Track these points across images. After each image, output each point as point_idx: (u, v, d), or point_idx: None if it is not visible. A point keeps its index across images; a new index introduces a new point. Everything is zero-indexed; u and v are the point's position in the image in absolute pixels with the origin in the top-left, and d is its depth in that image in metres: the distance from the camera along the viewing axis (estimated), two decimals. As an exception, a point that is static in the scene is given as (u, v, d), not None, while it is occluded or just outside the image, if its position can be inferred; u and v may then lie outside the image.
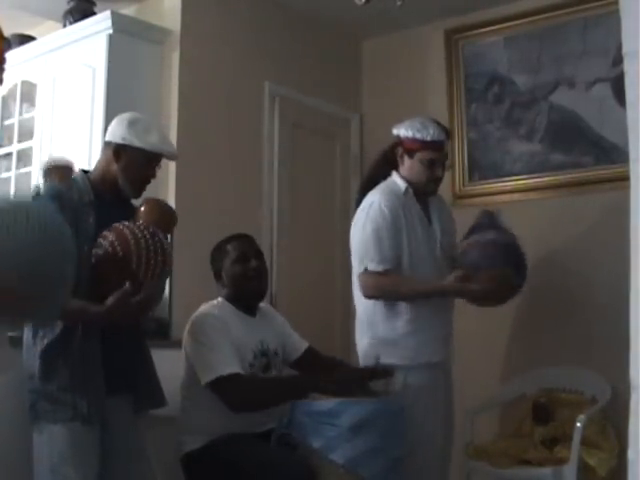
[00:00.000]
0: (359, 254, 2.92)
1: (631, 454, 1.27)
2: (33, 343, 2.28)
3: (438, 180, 3.01)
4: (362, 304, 3.00)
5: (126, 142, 2.36)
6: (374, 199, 2.94)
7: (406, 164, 2.98)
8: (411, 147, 2.95)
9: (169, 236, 2.47)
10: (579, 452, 3.11)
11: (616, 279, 3.39)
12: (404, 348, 2.90)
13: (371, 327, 2.97)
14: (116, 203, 2.42)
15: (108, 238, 2.20)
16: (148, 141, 2.37)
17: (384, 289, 2.90)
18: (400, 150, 2.99)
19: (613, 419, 3.32)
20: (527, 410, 3.54)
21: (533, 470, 3.20)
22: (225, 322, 2.70)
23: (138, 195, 2.46)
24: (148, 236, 2.22)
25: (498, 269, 2.89)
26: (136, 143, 2.35)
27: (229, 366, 2.57)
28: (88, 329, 2.26)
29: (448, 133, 3.07)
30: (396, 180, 3.01)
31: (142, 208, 2.38)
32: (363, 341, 3.00)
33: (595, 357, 3.52)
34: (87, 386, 2.24)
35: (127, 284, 2.16)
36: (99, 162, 2.45)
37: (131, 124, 2.39)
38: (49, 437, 2.24)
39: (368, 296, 2.92)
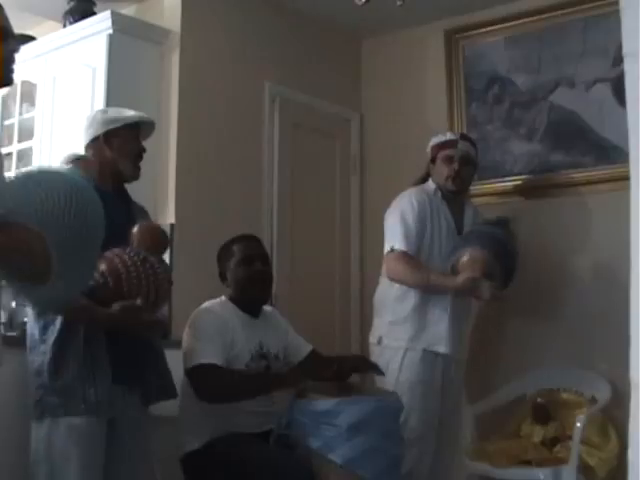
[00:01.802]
0: (387, 237, 3.21)
1: (631, 454, 1.27)
2: (41, 340, 2.29)
3: (457, 175, 3.25)
4: (380, 286, 3.30)
5: (111, 127, 2.47)
6: (405, 193, 3.28)
7: (433, 172, 3.33)
8: (434, 154, 3.34)
9: (166, 254, 2.48)
10: (579, 452, 3.12)
11: (616, 279, 3.41)
12: (404, 331, 3.13)
13: (382, 309, 3.25)
14: (116, 197, 2.47)
15: (99, 269, 2.20)
16: (127, 116, 2.51)
17: (406, 271, 3.12)
18: (430, 164, 3.36)
19: (613, 419, 3.31)
20: (527, 410, 3.54)
21: (533, 470, 3.20)
22: (224, 320, 2.70)
23: (137, 173, 2.53)
24: (139, 263, 2.23)
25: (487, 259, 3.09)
26: (120, 122, 2.48)
27: (208, 356, 2.56)
28: (92, 324, 2.28)
29: (465, 136, 3.47)
30: (429, 183, 3.33)
31: (134, 231, 2.37)
32: (375, 321, 3.27)
33: (595, 357, 3.52)
34: (94, 376, 2.26)
35: (139, 300, 2.19)
36: (91, 160, 2.49)
37: (104, 112, 2.57)
38: (52, 433, 2.24)
39: (389, 277, 3.20)
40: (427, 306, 3.14)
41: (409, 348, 3.11)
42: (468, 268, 3.07)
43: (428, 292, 3.12)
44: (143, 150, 2.54)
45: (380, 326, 3.22)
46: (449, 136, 3.37)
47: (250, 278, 2.77)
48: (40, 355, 2.28)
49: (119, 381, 2.32)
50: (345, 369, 2.77)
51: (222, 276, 2.84)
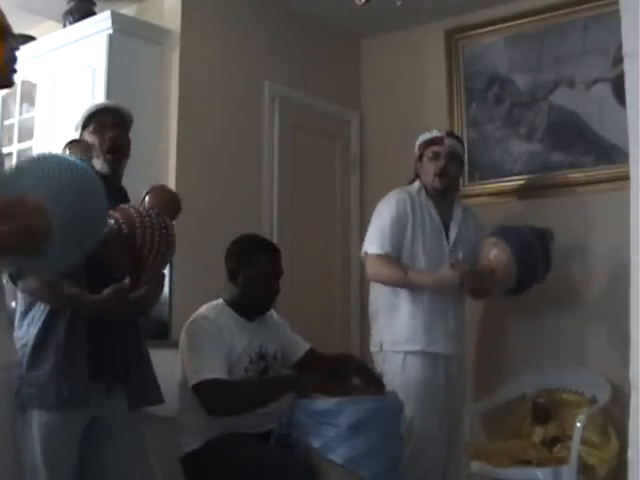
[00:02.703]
0: (365, 240, 3.23)
1: (631, 454, 1.27)
2: (25, 332, 2.29)
3: (444, 173, 3.22)
4: (372, 292, 3.28)
5: (77, 132, 2.47)
6: (387, 195, 3.26)
7: (421, 171, 3.30)
8: (420, 152, 3.31)
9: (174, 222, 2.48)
10: (579, 452, 3.11)
11: (616, 279, 3.41)
12: (400, 334, 3.11)
13: (377, 314, 3.22)
14: (113, 200, 2.44)
15: (113, 216, 2.23)
16: (84, 114, 2.48)
17: (383, 272, 3.14)
18: (417, 163, 3.33)
19: (613, 419, 3.31)
20: (527, 410, 3.53)
21: (533, 470, 3.20)
22: (220, 326, 2.69)
23: (114, 168, 2.44)
24: (153, 215, 2.26)
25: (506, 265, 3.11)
26: (80, 124, 2.47)
27: (211, 371, 2.57)
28: (75, 318, 2.27)
29: (451, 133, 3.40)
30: (415, 183, 3.31)
31: (147, 195, 2.39)
32: (372, 329, 3.25)
33: (595, 357, 3.52)
34: (70, 371, 2.24)
35: (127, 279, 2.18)
36: None
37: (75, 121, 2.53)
38: (29, 427, 2.23)
39: (370, 278, 3.24)
40: (421, 307, 3.11)
41: (408, 351, 3.08)
42: (488, 264, 3.13)
43: (409, 289, 3.12)
44: (111, 141, 2.44)
45: (378, 332, 3.20)
46: (435, 133, 3.32)
47: (265, 296, 2.80)
48: (21, 347, 2.27)
49: (98, 379, 2.30)
50: (346, 375, 2.76)
51: (233, 275, 2.80)
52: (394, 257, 3.13)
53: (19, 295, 2.37)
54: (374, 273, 3.19)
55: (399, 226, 3.14)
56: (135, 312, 2.35)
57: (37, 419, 2.23)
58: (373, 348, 3.22)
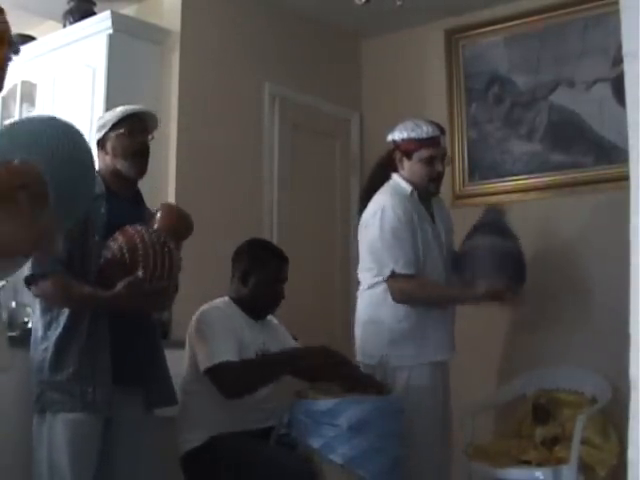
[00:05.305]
0: (380, 258, 2.91)
1: (631, 454, 1.27)
2: (44, 337, 2.31)
3: (440, 177, 3.02)
4: (366, 304, 3.01)
5: (102, 131, 2.48)
6: (384, 203, 2.94)
7: (406, 167, 2.99)
8: (408, 148, 2.97)
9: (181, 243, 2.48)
10: (579, 452, 3.11)
11: (616, 279, 3.40)
12: (409, 347, 2.91)
13: (377, 327, 2.96)
14: (129, 201, 2.49)
15: (118, 241, 2.23)
16: (114, 115, 2.48)
17: (415, 293, 2.91)
18: (398, 154, 3.00)
19: (613, 419, 3.31)
20: (527, 410, 3.54)
21: (533, 470, 3.20)
22: (230, 316, 2.74)
23: (137, 169, 2.48)
24: (157, 246, 2.26)
25: (507, 284, 2.94)
26: (108, 124, 2.47)
27: (221, 355, 2.59)
28: (96, 320, 2.29)
29: (442, 129, 3.06)
30: (400, 182, 3.00)
31: (158, 214, 2.39)
32: (367, 341, 2.99)
33: (595, 357, 3.52)
34: (94, 375, 2.27)
35: (139, 272, 2.20)
36: (99, 166, 2.50)
37: (99, 120, 2.56)
38: (51, 428, 2.26)
39: (399, 300, 2.89)
40: (427, 319, 2.94)
41: (414, 365, 2.90)
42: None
43: (443, 307, 2.97)
44: (141, 145, 2.48)
45: (378, 347, 2.93)
46: (429, 131, 2.94)
47: (273, 298, 2.84)
48: (42, 352, 2.30)
49: (118, 381, 2.33)
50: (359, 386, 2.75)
51: (244, 276, 2.81)
52: (420, 274, 2.91)
53: (37, 300, 2.39)
54: (408, 294, 2.89)
55: (414, 240, 2.90)
56: (145, 306, 2.35)
57: (61, 419, 2.26)
58: (368, 360, 2.94)
